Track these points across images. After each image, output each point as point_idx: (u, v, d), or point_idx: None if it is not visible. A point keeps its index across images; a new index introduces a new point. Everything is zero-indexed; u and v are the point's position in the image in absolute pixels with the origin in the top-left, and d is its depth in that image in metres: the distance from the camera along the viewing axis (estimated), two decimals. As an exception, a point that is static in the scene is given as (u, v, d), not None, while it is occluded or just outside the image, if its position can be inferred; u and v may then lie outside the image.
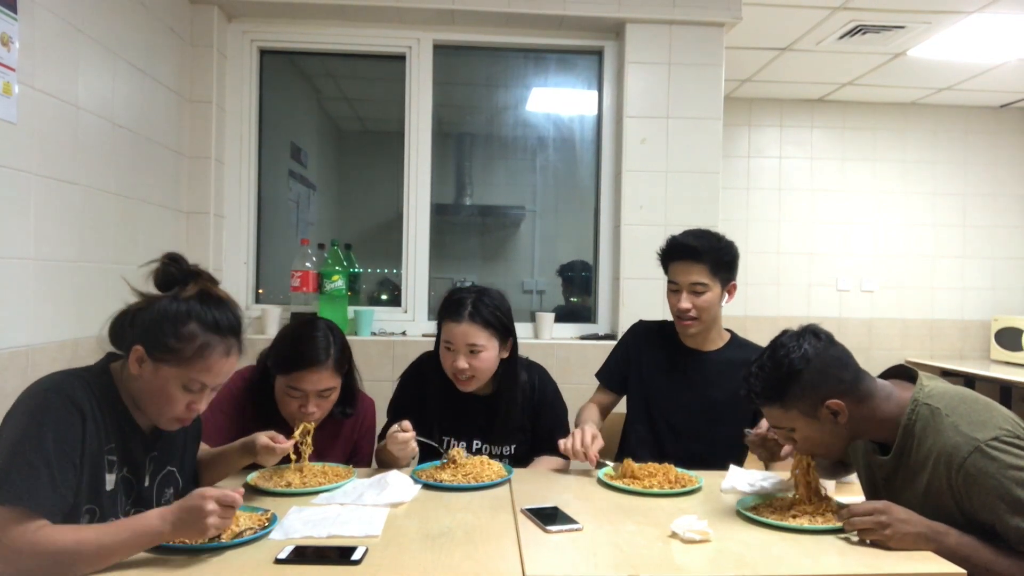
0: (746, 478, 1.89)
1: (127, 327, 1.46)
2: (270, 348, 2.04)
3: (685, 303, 2.17)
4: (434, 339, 2.21)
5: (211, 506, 1.33)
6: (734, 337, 2.33)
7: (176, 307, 1.44)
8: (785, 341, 1.61)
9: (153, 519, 1.33)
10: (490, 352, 2.09)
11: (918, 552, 1.44)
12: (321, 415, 1.99)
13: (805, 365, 1.56)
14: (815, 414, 1.57)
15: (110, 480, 1.44)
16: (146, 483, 1.54)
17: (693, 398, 2.24)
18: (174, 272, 1.50)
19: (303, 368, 1.92)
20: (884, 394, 1.61)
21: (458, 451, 2.01)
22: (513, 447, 2.21)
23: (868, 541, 1.47)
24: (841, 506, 1.72)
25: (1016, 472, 1.41)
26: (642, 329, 2.42)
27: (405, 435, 1.95)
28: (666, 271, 2.26)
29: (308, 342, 1.95)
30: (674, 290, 2.21)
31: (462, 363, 2.06)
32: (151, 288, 1.50)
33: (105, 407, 1.44)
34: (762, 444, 1.87)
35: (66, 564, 1.26)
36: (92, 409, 1.40)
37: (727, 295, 2.22)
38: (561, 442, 2.04)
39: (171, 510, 1.35)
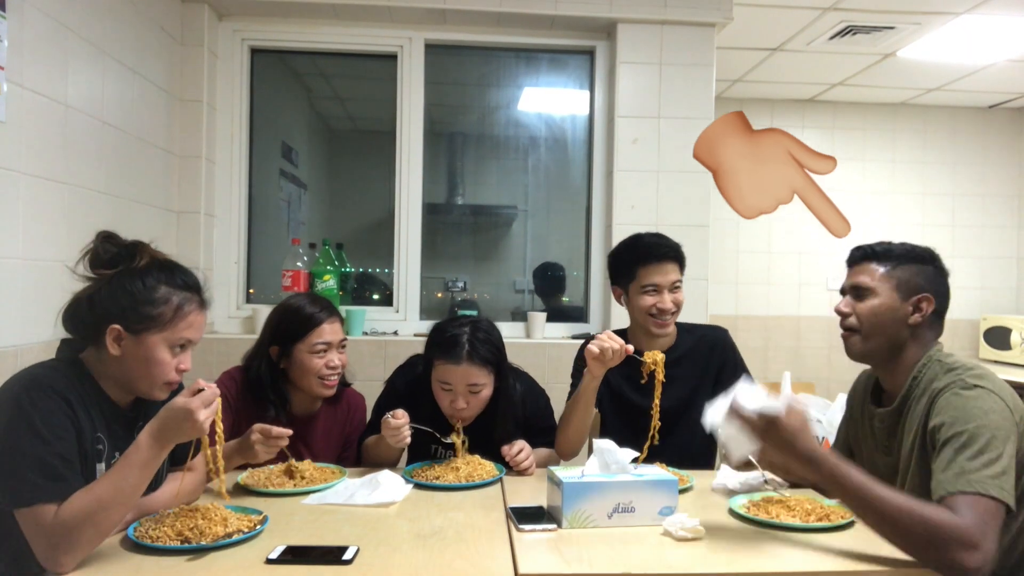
0: (737, 477, 1.91)
1: (86, 312, 1.47)
2: (278, 326, 2.13)
3: (669, 303, 2.19)
4: (425, 338, 2.20)
5: (195, 402, 1.37)
6: (680, 327, 2.36)
7: (140, 277, 1.47)
8: (925, 247, 1.73)
9: (141, 439, 1.37)
10: (488, 389, 2.07)
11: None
12: (342, 370, 2.14)
13: (933, 264, 1.69)
14: (905, 296, 1.65)
15: (100, 470, 1.45)
16: None
17: (664, 398, 2.20)
18: (113, 249, 1.51)
19: (324, 320, 2.08)
20: (932, 343, 1.68)
21: (457, 439, 2.02)
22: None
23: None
24: (834, 506, 1.73)
25: (979, 414, 1.46)
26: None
27: (398, 421, 1.95)
28: (633, 275, 2.23)
29: (317, 300, 2.16)
30: (652, 292, 2.20)
31: (461, 403, 2.04)
32: (84, 271, 1.51)
33: (88, 399, 1.45)
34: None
35: (100, 519, 1.31)
36: (77, 400, 1.41)
37: None
38: (591, 346, 1.99)
39: (151, 424, 1.39)
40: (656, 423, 2.01)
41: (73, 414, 1.39)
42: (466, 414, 2.07)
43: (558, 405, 2.37)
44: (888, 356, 1.68)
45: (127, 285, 1.46)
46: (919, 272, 1.66)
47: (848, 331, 1.72)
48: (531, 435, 2.19)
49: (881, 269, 1.68)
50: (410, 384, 2.23)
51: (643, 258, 2.23)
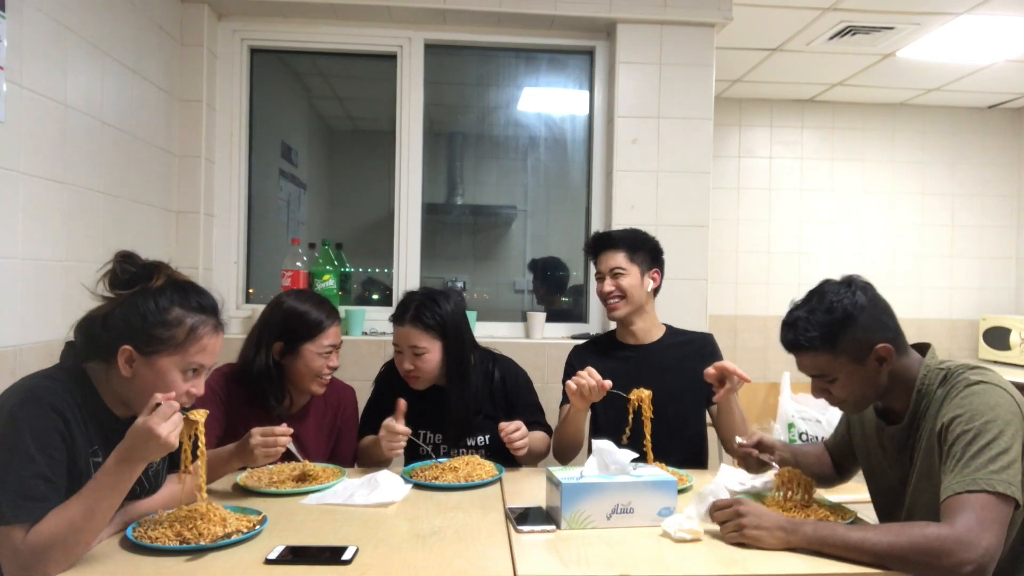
0: (736, 477, 1.90)
1: (99, 331, 1.45)
2: (286, 326, 2.10)
3: (608, 286, 2.32)
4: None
5: (154, 420, 1.32)
6: (670, 328, 2.45)
7: (153, 299, 1.45)
8: (834, 289, 1.62)
9: (109, 462, 1.33)
10: (433, 354, 2.16)
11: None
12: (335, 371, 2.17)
13: (859, 312, 1.57)
14: (863, 360, 1.58)
15: None
16: None
17: (655, 388, 2.20)
18: (132, 269, 1.48)
19: (329, 325, 2.10)
20: (914, 355, 1.65)
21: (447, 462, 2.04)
22: (488, 437, 2.24)
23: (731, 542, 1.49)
24: (834, 505, 1.73)
25: (985, 409, 1.44)
26: (581, 348, 2.52)
27: (401, 428, 2.00)
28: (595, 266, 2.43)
29: (323, 303, 2.15)
30: (599, 278, 2.37)
31: (407, 364, 2.16)
32: (103, 291, 1.48)
33: (87, 412, 1.43)
34: (745, 457, 1.91)
35: (71, 542, 1.30)
36: (74, 415, 1.39)
37: (651, 281, 2.35)
38: (570, 383, 2.05)
39: (119, 446, 1.34)
40: (651, 458, 2.02)
41: (67, 431, 1.37)
42: (414, 375, 2.17)
43: (555, 406, 2.38)
44: (886, 395, 1.65)
45: (140, 306, 1.43)
46: (852, 330, 1.57)
47: (842, 407, 1.70)
48: (514, 411, 2.25)
49: (823, 356, 1.59)
50: (392, 378, 2.29)
51: (590, 252, 2.44)
